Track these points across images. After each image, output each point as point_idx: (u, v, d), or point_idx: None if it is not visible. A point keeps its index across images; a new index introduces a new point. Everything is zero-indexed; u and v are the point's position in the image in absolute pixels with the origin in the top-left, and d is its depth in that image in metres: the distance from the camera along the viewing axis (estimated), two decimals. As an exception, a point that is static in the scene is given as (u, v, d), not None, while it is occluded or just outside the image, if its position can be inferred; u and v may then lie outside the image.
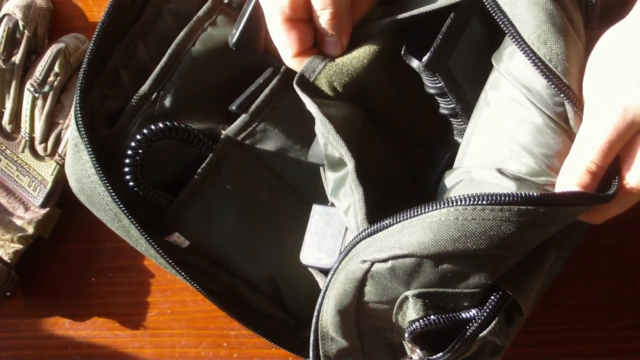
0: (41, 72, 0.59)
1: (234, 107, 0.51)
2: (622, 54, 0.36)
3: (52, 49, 0.59)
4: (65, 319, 0.64)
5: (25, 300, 0.65)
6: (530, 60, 0.37)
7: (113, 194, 0.47)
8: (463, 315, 0.38)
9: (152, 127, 0.49)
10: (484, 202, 0.34)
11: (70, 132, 0.48)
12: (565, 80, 0.36)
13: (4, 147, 0.61)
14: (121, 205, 0.47)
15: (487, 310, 0.38)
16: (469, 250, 0.35)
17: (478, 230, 0.34)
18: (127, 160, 0.49)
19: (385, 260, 0.38)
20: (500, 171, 0.39)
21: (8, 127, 0.60)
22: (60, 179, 0.60)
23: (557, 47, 0.36)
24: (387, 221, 0.37)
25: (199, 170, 0.51)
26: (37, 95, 0.59)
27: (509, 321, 0.39)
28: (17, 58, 0.59)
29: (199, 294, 0.51)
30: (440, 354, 0.39)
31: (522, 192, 0.34)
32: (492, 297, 0.38)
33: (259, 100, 0.51)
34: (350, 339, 0.44)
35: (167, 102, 0.51)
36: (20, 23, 0.59)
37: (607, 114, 0.36)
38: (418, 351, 0.40)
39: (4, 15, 0.59)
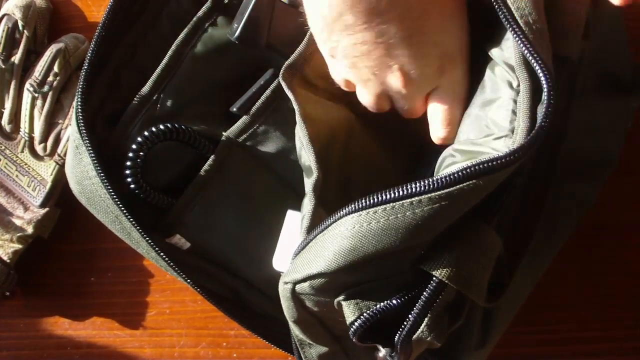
0: (41, 72, 0.59)
1: (235, 109, 0.51)
2: None
3: (51, 49, 0.59)
4: (65, 319, 0.64)
5: (25, 300, 0.64)
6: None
7: (114, 196, 0.47)
8: (395, 301, 0.37)
9: (153, 129, 0.49)
10: (371, 204, 0.34)
11: (71, 133, 0.48)
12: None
13: (3, 147, 0.61)
14: (122, 208, 0.47)
15: (424, 297, 0.36)
16: (372, 252, 0.34)
17: (376, 232, 0.34)
18: (128, 163, 0.49)
19: (304, 280, 0.38)
20: (453, 149, 0.39)
21: (7, 127, 0.60)
22: (60, 179, 0.60)
23: None
24: (309, 237, 0.37)
25: (200, 172, 0.51)
26: (36, 95, 0.59)
27: (453, 316, 0.38)
28: (16, 58, 0.59)
29: (198, 293, 0.51)
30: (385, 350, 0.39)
31: (406, 186, 0.33)
32: (427, 289, 0.36)
33: (260, 101, 0.50)
34: (326, 343, 0.44)
35: (168, 103, 0.51)
36: (20, 23, 0.59)
37: None
38: (380, 348, 0.39)
39: (3, 15, 0.59)
